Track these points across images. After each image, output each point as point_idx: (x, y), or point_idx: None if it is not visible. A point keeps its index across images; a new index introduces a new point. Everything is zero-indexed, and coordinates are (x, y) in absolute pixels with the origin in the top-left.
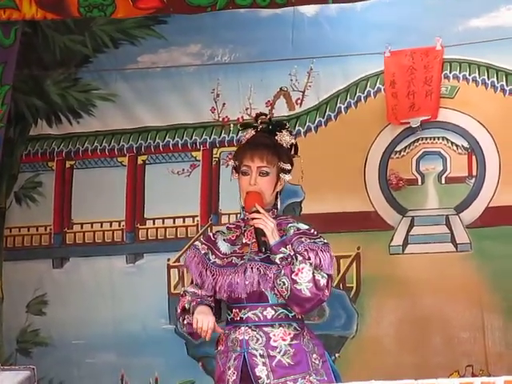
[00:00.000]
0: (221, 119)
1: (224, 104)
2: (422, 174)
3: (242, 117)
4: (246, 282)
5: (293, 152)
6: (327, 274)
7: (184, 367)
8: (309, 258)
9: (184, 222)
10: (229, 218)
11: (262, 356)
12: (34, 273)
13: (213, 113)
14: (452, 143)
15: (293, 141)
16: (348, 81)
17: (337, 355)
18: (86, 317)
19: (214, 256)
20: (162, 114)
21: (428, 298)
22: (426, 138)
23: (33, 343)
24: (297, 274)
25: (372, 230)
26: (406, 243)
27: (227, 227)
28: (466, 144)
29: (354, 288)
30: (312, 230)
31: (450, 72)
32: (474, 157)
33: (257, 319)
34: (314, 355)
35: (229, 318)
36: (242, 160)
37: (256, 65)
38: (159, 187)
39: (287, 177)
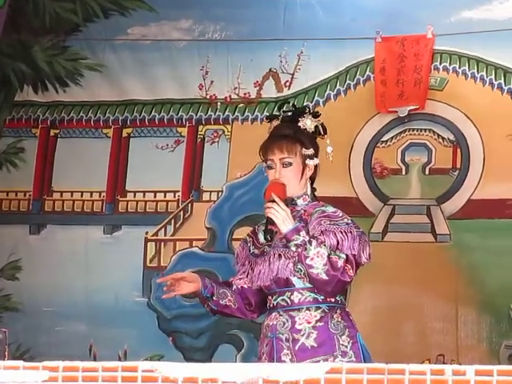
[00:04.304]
0: (208, 97)
1: (212, 82)
2: (406, 165)
3: (230, 96)
4: (269, 269)
5: (321, 132)
6: (346, 254)
7: (154, 341)
8: (324, 241)
9: (165, 196)
10: (210, 195)
11: (287, 340)
12: (9, 238)
13: (200, 90)
14: (438, 136)
15: (316, 123)
16: (338, 67)
17: None
18: (59, 285)
19: (253, 247)
20: (150, 87)
21: (404, 286)
22: (413, 130)
23: (3, 308)
24: (312, 259)
25: (352, 215)
26: (385, 231)
27: None
28: (452, 137)
29: None
30: (337, 213)
31: (440, 63)
32: (459, 150)
33: (285, 304)
34: (343, 337)
35: (267, 305)
36: (267, 154)
37: (246, 44)
38: (142, 161)
39: (313, 162)
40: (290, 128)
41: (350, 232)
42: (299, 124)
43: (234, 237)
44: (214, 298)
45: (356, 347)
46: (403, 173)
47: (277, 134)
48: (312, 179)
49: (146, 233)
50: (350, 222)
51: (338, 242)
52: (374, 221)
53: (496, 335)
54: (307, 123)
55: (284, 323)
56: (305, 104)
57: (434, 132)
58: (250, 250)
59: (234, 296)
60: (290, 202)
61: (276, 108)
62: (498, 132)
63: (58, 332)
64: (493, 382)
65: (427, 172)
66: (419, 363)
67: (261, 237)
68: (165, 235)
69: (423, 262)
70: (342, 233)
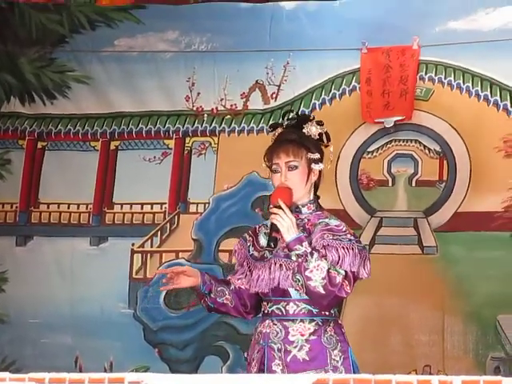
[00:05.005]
0: (195, 108)
1: (199, 93)
2: (392, 176)
3: (217, 107)
4: (269, 278)
5: (324, 141)
6: (345, 271)
7: (140, 352)
8: (325, 255)
9: (152, 208)
10: (197, 207)
11: (279, 350)
12: None
13: (187, 101)
14: (424, 147)
15: (320, 130)
16: (324, 77)
17: None
18: (45, 296)
19: (253, 248)
20: (137, 99)
21: (391, 298)
22: (399, 140)
23: None
24: (311, 271)
25: None
26: (372, 243)
27: None
28: (438, 148)
29: None
30: (341, 227)
31: (426, 74)
32: (445, 161)
33: (280, 313)
34: (335, 351)
35: (262, 310)
36: (272, 159)
37: (233, 56)
38: (130, 173)
39: (318, 166)
40: (295, 133)
41: (352, 248)
42: (304, 130)
43: (220, 248)
44: (212, 296)
45: (347, 363)
46: (390, 184)
47: (282, 138)
48: (316, 186)
49: (133, 244)
50: (352, 237)
51: (339, 258)
52: (361, 233)
53: (482, 347)
54: (312, 130)
55: (277, 333)
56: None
57: (420, 143)
58: (249, 251)
59: (232, 295)
60: (294, 209)
61: (280, 116)
62: (484, 144)
63: (44, 344)
64: None
65: (414, 184)
66: (405, 373)
67: (261, 239)
68: (151, 247)
69: (410, 273)
70: (344, 249)
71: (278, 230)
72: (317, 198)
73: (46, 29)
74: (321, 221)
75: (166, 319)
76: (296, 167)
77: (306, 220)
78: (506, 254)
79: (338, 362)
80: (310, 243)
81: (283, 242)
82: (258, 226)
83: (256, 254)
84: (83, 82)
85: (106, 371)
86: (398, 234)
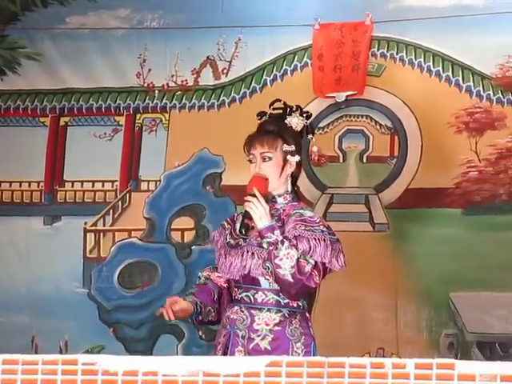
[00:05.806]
0: (146, 85)
1: (150, 70)
2: (343, 152)
3: (167, 83)
4: (241, 265)
5: (306, 133)
6: (315, 261)
7: (95, 332)
8: (296, 245)
9: (103, 186)
10: (148, 184)
11: (243, 337)
12: None
13: (138, 78)
14: (376, 122)
15: (303, 122)
16: (275, 53)
17: None
18: (0, 276)
19: (230, 236)
20: (88, 76)
21: (342, 277)
22: (350, 116)
23: None
24: (281, 259)
25: None
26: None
27: None
28: (389, 124)
29: None
30: (314, 218)
31: (378, 50)
32: (396, 137)
33: (248, 301)
34: (298, 344)
35: (233, 296)
36: (249, 149)
37: (184, 32)
38: (80, 150)
39: (294, 158)
40: (275, 124)
41: (324, 240)
42: (285, 121)
43: (172, 227)
44: (200, 318)
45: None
46: (340, 160)
47: (261, 129)
48: (295, 177)
49: (85, 223)
50: (325, 229)
51: (310, 248)
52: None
53: (436, 324)
54: (293, 121)
55: (243, 320)
56: (243, 90)
57: (371, 118)
58: (226, 239)
59: (215, 311)
60: (270, 199)
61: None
62: (435, 120)
63: (0, 323)
64: (432, 375)
65: (365, 160)
66: (359, 355)
67: (238, 226)
68: (104, 226)
69: (361, 251)
70: (315, 240)
71: (251, 218)
72: (296, 188)
73: None
74: (295, 211)
75: (121, 298)
76: (270, 158)
77: (282, 210)
78: (458, 230)
79: (299, 354)
80: (283, 233)
81: (257, 230)
82: (236, 214)
83: (232, 241)
84: (34, 59)
85: (61, 350)
86: (349, 211)
